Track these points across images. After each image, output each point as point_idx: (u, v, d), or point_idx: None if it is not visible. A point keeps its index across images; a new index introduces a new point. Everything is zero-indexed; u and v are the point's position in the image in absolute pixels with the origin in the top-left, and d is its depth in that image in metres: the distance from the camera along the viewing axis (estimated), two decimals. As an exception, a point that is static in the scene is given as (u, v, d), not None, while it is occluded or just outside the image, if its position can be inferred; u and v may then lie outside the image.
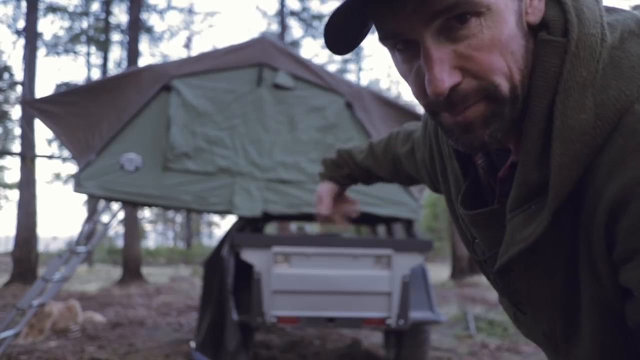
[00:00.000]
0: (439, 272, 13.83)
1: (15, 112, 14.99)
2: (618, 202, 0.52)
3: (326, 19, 0.57)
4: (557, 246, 0.60)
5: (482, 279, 11.95)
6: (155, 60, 17.82)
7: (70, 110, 3.87)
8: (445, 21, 0.54)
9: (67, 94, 4.03)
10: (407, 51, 0.59)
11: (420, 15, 0.54)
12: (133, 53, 12.17)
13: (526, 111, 0.59)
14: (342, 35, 0.59)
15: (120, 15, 16.76)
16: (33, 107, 3.92)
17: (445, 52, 0.55)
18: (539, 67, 0.57)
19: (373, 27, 0.60)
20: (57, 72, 51.47)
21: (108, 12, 14.98)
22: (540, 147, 0.57)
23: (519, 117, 0.59)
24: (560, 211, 0.58)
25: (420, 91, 0.60)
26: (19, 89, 12.36)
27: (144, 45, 20.79)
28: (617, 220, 0.52)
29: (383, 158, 1.17)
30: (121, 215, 10.69)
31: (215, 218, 32.31)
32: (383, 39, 0.59)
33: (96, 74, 16.96)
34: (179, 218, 32.57)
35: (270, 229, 12.63)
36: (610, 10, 0.62)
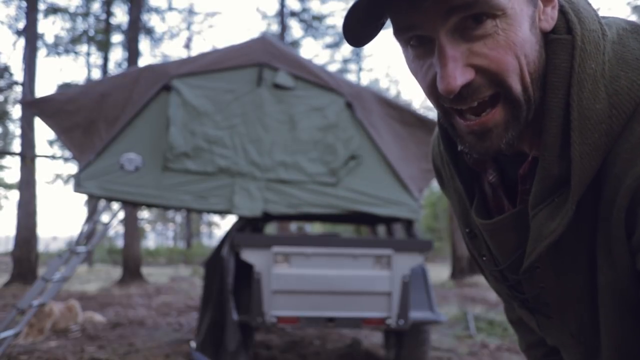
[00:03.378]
0: (439, 272, 13.82)
1: (16, 112, 15.00)
2: (639, 187, 0.53)
3: (346, 11, 0.57)
4: (578, 237, 0.61)
5: (482, 279, 11.95)
6: (156, 60, 17.83)
7: (70, 111, 3.87)
8: (461, 20, 0.55)
9: (67, 94, 4.03)
10: (420, 48, 0.60)
11: (438, 10, 0.55)
12: (133, 53, 12.17)
13: (541, 109, 0.61)
14: (359, 27, 0.60)
15: (120, 16, 16.79)
16: (33, 106, 3.92)
17: (459, 50, 0.56)
18: (550, 64, 0.60)
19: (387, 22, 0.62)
20: (57, 72, 51.48)
21: (109, 13, 14.98)
22: (560, 140, 0.59)
23: (533, 116, 0.61)
24: (581, 201, 0.59)
25: (430, 89, 0.60)
26: (19, 89, 12.36)
27: (144, 45, 20.82)
28: (638, 205, 0.54)
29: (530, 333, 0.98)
30: (121, 215, 10.69)
31: (215, 218, 32.32)
32: (398, 33, 0.60)
33: (97, 75, 16.98)
34: (179, 218, 32.57)
35: (270, 229, 12.63)
36: (602, 16, 0.65)
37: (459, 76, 0.55)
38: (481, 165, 0.72)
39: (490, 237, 0.72)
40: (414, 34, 0.58)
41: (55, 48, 15.05)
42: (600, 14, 0.65)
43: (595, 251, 0.60)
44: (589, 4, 0.63)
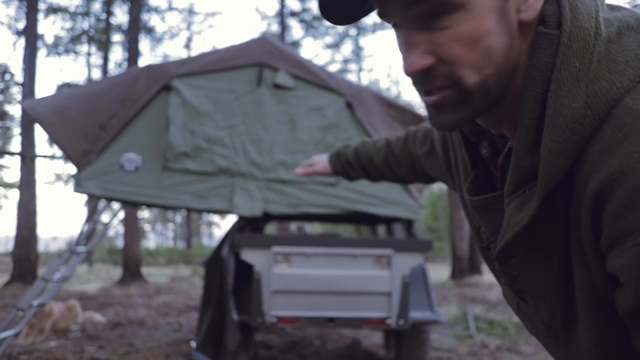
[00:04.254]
0: (439, 272, 13.82)
1: (16, 112, 15.01)
2: (603, 190, 0.53)
3: None
4: (552, 233, 0.62)
5: (482, 279, 11.95)
6: (156, 60, 17.83)
7: (69, 111, 3.87)
8: (421, 11, 0.59)
9: (66, 95, 4.03)
10: (396, 31, 0.64)
11: (399, 2, 0.59)
12: (133, 53, 12.17)
13: (521, 100, 0.62)
14: (340, 8, 0.65)
15: (121, 15, 16.79)
16: (30, 109, 3.89)
17: (420, 38, 0.60)
18: (533, 58, 0.60)
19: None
20: (57, 72, 51.43)
21: (109, 13, 14.97)
22: (534, 134, 0.60)
23: (515, 106, 0.63)
24: (555, 199, 0.60)
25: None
26: (19, 89, 12.36)
27: (144, 45, 20.83)
28: (602, 209, 0.54)
29: (401, 157, 1.20)
30: (121, 215, 10.69)
31: (215, 218, 32.32)
32: (380, 17, 0.65)
33: (97, 74, 16.98)
34: (179, 218, 32.57)
35: (270, 229, 12.63)
36: (613, 8, 0.64)
37: (416, 61, 0.60)
38: (477, 136, 0.73)
39: (474, 213, 0.74)
40: (387, 20, 0.64)
41: (55, 48, 15.04)
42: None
43: (569, 249, 0.61)
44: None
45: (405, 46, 0.61)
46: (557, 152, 0.57)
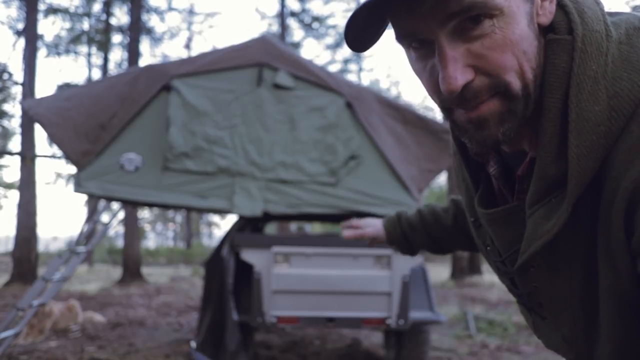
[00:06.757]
0: (439, 272, 13.82)
1: (16, 112, 15.01)
2: (637, 188, 0.53)
3: (348, 18, 0.59)
4: (575, 239, 0.61)
5: (482, 279, 11.95)
6: (156, 60, 17.82)
7: (69, 111, 3.87)
8: (459, 22, 0.56)
9: (66, 95, 4.03)
10: (421, 50, 0.61)
11: (437, 16, 0.56)
12: (134, 54, 12.17)
13: (540, 108, 0.61)
14: (361, 33, 0.61)
15: (121, 16, 16.79)
16: (30, 109, 3.89)
17: (459, 51, 0.57)
18: (549, 65, 0.60)
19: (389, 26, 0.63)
20: (57, 72, 51.39)
21: (109, 13, 14.98)
22: (557, 141, 0.59)
23: (532, 115, 0.61)
24: (578, 203, 0.59)
25: (434, 89, 0.62)
26: (19, 88, 12.36)
27: (144, 45, 20.83)
28: (636, 207, 0.53)
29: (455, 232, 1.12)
30: (121, 215, 10.70)
31: (215, 218, 32.33)
32: (399, 38, 0.62)
33: (97, 75, 16.98)
34: (179, 218, 32.58)
35: (270, 229, 12.63)
36: (613, 13, 0.64)
37: (460, 76, 0.57)
38: (483, 156, 0.73)
39: (488, 227, 0.73)
40: (414, 38, 0.60)
41: (55, 48, 15.05)
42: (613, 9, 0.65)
43: (594, 254, 0.60)
44: (597, 3, 0.63)
45: (442, 63, 0.57)
46: (585, 157, 0.56)
